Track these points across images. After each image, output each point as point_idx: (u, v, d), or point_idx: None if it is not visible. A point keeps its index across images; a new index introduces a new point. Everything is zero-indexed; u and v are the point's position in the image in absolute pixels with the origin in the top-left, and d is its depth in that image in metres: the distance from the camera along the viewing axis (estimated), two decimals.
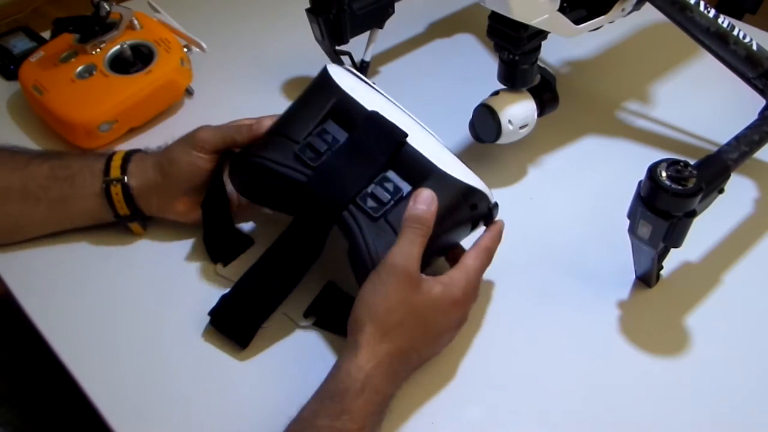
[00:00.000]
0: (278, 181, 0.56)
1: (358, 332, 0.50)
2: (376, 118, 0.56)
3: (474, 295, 0.55)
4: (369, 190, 0.54)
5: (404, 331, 0.51)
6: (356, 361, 0.49)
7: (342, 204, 0.54)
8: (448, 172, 0.55)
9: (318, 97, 0.58)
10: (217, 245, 0.63)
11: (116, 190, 0.60)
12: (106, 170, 0.61)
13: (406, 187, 0.55)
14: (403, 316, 0.51)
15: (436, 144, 0.57)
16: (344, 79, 0.59)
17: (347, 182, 0.55)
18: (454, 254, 0.58)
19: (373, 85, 0.59)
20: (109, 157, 0.62)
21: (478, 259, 0.55)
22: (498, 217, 0.59)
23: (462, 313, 0.55)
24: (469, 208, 0.56)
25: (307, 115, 0.58)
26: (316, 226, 0.57)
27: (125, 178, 0.60)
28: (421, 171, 0.55)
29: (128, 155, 0.62)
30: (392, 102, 0.58)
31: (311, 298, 0.59)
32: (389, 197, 0.54)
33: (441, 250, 0.57)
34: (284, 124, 0.59)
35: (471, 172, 0.56)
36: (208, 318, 0.57)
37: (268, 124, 0.59)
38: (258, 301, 0.57)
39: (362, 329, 0.50)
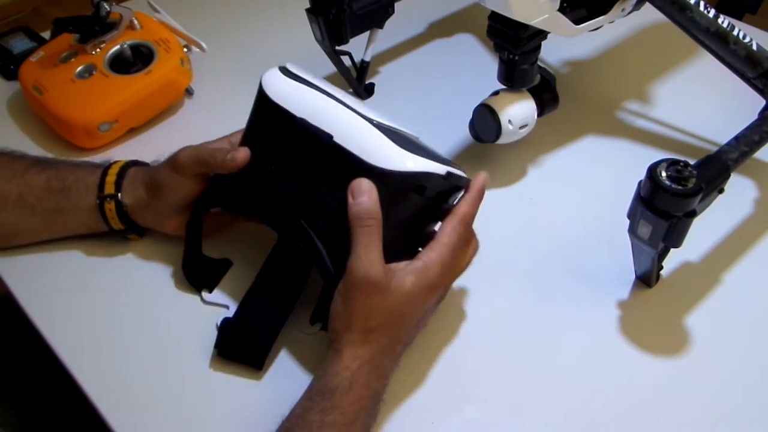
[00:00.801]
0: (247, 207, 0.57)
1: (337, 341, 0.51)
2: (301, 126, 0.54)
3: (454, 270, 0.54)
4: (311, 203, 0.53)
5: (384, 331, 0.51)
6: (342, 362, 0.49)
7: (290, 224, 0.54)
8: (376, 163, 0.51)
9: (261, 118, 0.57)
10: (194, 273, 0.61)
11: (110, 206, 0.60)
12: (101, 185, 0.60)
13: (341, 192, 0.52)
14: (378, 320, 0.50)
15: (366, 132, 0.53)
16: (280, 88, 0.56)
17: (286, 202, 0.54)
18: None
19: (312, 81, 0.57)
20: (105, 171, 0.61)
21: (454, 233, 0.53)
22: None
23: (442, 292, 0.54)
24: (416, 194, 0.52)
25: (258, 140, 0.57)
26: (288, 241, 0.57)
27: (119, 195, 0.60)
28: (352, 169, 0.52)
29: (123, 170, 0.61)
30: (328, 94, 0.55)
31: (312, 304, 0.58)
32: (334, 205, 0.52)
33: (412, 245, 0.55)
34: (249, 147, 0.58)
35: (405, 151, 0.52)
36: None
37: (243, 156, 0.56)
38: (265, 322, 0.56)
39: (341, 337, 0.50)
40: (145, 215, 0.61)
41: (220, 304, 0.60)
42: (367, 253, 0.49)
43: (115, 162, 0.63)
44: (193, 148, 0.58)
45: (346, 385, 0.49)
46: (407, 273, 0.51)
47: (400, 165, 0.51)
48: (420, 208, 0.54)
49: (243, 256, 0.62)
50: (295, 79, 0.57)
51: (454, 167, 0.54)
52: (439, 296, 0.54)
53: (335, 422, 0.48)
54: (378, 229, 0.50)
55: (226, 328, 0.56)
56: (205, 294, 0.60)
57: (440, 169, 0.53)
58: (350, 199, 0.50)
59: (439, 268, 0.52)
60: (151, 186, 0.60)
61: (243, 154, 0.56)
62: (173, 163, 0.58)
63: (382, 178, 0.51)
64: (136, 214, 0.61)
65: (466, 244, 0.55)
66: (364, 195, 0.50)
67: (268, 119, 0.56)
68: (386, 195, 0.51)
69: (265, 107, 0.56)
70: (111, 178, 0.61)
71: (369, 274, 0.49)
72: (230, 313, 0.58)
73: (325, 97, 0.55)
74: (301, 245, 0.54)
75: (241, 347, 0.56)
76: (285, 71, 0.57)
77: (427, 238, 0.54)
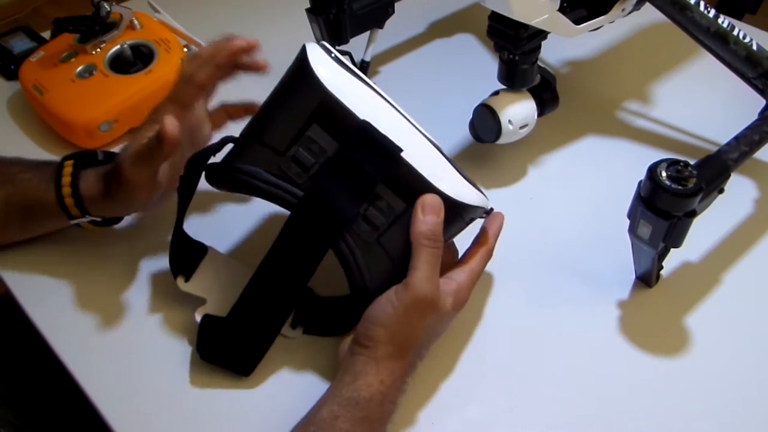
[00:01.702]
0: (263, 197, 0.53)
1: (374, 349, 0.50)
2: (368, 131, 0.51)
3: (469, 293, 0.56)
4: (361, 211, 0.51)
5: (419, 349, 0.52)
6: (378, 375, 0.49)
7: (334, 230, 0.51)
8: (445, 189, 0.52)
9: (298, 95, 0.52)
10: (175, 255, 0.57)
11: (76, 213, 0.58)
12: (59, 198, 0.57)
13: (399, 206, 0.51)
14: (423, 338, 0.52)
15: (430, 152, 0.53)
16: (327, 70, 0.52)
17: (339, 207, 0.51)
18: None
19: (356, 71, 0.55)
20: (58, 182, 0.57)
21: (483, 262, 0.56)
22: (496, 210, 0.59)
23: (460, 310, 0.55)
24: (465, 223, 0.56)
25: (288, 118, 0.52)
26: (307, 246, 0.52)
27: (80, 221, 0.59)
28: (416, 189, 0.51)
29: (75, 178, 0.58)
30: (379, 94, 0.54)
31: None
32: (384, 220, 0.51)
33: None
34: (263, 129, 0.53)
35: (466, 181, 0.54)
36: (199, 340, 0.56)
37: (171, 124, 0.50)
38: (261, 326, 0.54)
39: (380, 347, 0.50)
40: (107, 210, 0.59)
41: (198, 295, 0.56)
42: (431, 273, 0.50)
43: (66, 164, 0.58)
44: (130, 146, 0.55)
45: (378, 399, 0.49)
46: (449, 295, 0.52)
47: (464, 194, 0.53)
48: (457, 233, 0.56)
49: (222, 242, 0.61)
50: (338, 63, 0.53)
51: (478, 188, 0.57)
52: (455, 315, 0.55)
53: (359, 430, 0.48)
54: (440, 251, 0.51)
55: (210, 327, 0.53)
56: (180, 281, 0.56)
57: (487, 203, 0.56)
58: (419, 215, 0.51)
59: (467, 292, 0.53)
60: (105, 192, 0.57)
61: (169, 121, 0.50)
62: (120, 161, 0.55)
63: (447, 203, 0.52)
64: (95, 208, 0.58)
65: None
66: (437, 214, 0.51)
67: (315, 105, 0.51)
68: (445, 219, 0.52)
69: (313, 92, 0.51)
70: (66, 189, 0.57)
71: (433, 295, 0.50)
72: (210, 308, 0.56)
73: (382, 100, 0.54)
74: (336, 252, 0.52)
75: (231, 351, 0.54)
76: (325, 49, 0.54)
77: None
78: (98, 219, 0.60)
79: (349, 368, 0.50)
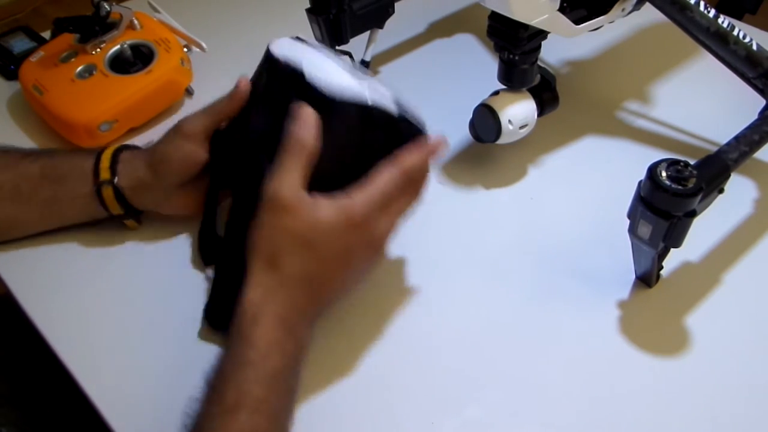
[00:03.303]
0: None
1: (248, 268, 0.49)
2: (283, 64, 0.54)
3: (383, 221, 0.50)
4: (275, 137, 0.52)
5: (292, 259, 0.48)
6: (247, 295, 0.48)
7: (247, 145, 0.54)
8: (331, 92, 0.51)
9: (261, 72, 0.58)
10: (209, 247, 0.61)
11: (107, 191, 0.60)
12: (96, 171, 0.60)
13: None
14: (283, 243, 0.48)
15: (333, 68, 0.54)
16: (283, 46, 0.56)
17: (256, 126, 0.54)
18: None
19: (315, 46, 0.58)
20: (98, 157, 0.61)
21: (390, 180, 0.49)
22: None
23: (365, 238, 0.50)
24: (364, 126, 0.51)
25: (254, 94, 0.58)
26: (248, 188, 0.54)
27: (115, 179, 0.60)
28: (315, 98, 0.52)
29: (116, 154, 0.61)
30: (327, 56, 0.56)
31: None
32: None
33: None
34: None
35: (361, 83, 0.52)
36: (205, 305, 0.57)
37: (245, 84, 0.57)
38: (237, 281, 0.54)
39: (250, 264, 0.49)
40: (145, 197, 0.61)
41: None
42: (285, 175, 0.48)
43: (107, 147, 0.62)
44: (198, 111, 0.59)
45: (250, 318, 0.46)
46: (326, 203, 0.48)
47: (353, 95, 0.51)
48: (369, 148, 0.52)
49: None
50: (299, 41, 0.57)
51: (417, 122, 0.54)
52: (362, 243, 0.50)
53: (248, 359, 0.45)
54: (305, 156, 0.49)
55: (212, 300, 0.56)
56: (209, 271, 0.59)
57: (394, 108, 0.52)
58: (291, 125, 0.50)
59: (364, 209, 0.48)
60: (152, 164, 0.60)
61: (243, 83, 0.57)
62: (179, 131, 0.59)
63: (332, 105, 0.50)
64: (134, 198, 0.61)
65: (403, 195, 0.51)
66: (301, 121, 0.49)
67: (263, 67, 0.57)
68: (334, 123, 0.50)
69: (263, 59, 0.57)
70: (105, 163, 0.60)
71: (279, 194, 0.48)
72: None
73: (318, 52, 0.56)
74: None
75: (229, 316, 0.54)
76: (295, 38, 0.58)
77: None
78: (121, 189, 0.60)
79: None
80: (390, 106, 0.52)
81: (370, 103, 0.51)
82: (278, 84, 0.55)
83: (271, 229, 0.48)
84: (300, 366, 0.49)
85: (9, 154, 0.63)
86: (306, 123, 0.49)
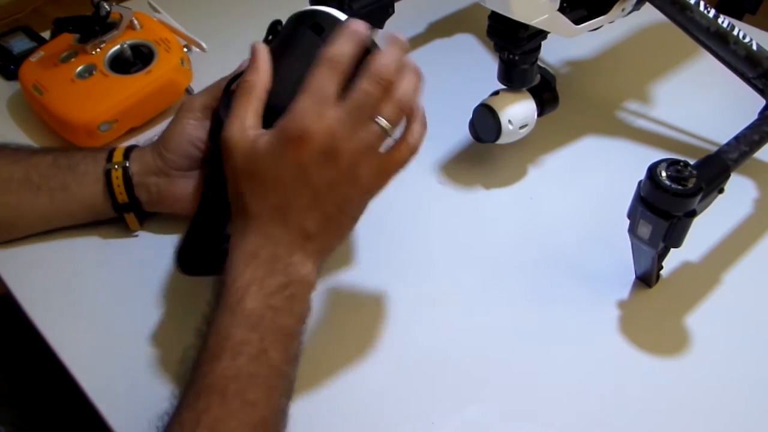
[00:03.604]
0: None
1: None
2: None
3: (334, 124, 0.45)
4: None
5: (248, 197, 0.47)
6: (229, 247, 0.48)
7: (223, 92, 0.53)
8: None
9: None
10: (199, 254, 0.57)
11: (117, 174, 0.60)
12: (109, 158, 0.61)
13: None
14: (236, 185, 0.47)
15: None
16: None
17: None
18: None
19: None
20: (113, 148, 0.63)
21: (316, 74, 0.46)
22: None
23: (314, 151, 0.45)
24: (312, 31, 0.49)
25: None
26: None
27: (126, 163, 0.61)
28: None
29: (131, 146, 0.63)
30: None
31: None
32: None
33: None
34: None
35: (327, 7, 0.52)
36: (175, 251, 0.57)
37: (245, 61, 0.56)
38: (211, 228, 0.55)
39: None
40: (151, 183, 0.61)
41: None
42: (233, 119, 0.47)
43: (122, 146, 0.63)
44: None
45: (227, 263, 0.47)
46: (266, 131, 0.46)
47: (304, 8, 0.52)
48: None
49: None
50: None
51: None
52: (316, 157, 0.45)
53: (225, 303, 0.45)
54: (252, 91, 0.48)
55: (181, 246, 0.55)
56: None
57: (344, 16, 0.51)
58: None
59: (297, 121, 0.45)
60: (158, 146, 0.61)
61: (246, 62, 0.53)
62: (180, 107, 0.60)
63: (290, 22, 0.51)
64: (142, 187, 0.61)
65: (328, 107, 0.46)
66: (251, 58, 0.49)
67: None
68: (282, 39, 0.51)
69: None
70: (119, 150, 0.62)
71: (226, 138, 0.47)
72: None
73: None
74: None
75: (199, 258, 0.55)
76: None
77: None
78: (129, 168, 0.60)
79: None
80: (339, 14, 0.51)
81: (318, 8, 0.51)
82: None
83: (228, 173, 0.48)
84: (296, 304, 0.47)
85: (21, 150, 0.64)
86: (253, 62, 0.49)
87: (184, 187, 0.61)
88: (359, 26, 0.47)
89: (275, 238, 0.47)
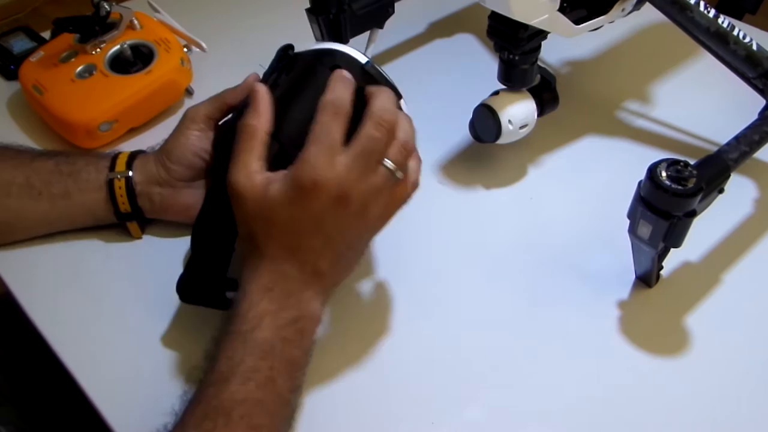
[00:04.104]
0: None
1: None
2: (278, 50, 0.56)
3: (345, 170, 0.46)
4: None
5: (263, 239, 0.48)
6: (240, 274, 0.50)
7: (229, 121, 0.54)
8: (307, 48, 0.53)
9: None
10: (200, 287, 0.56)
11: (120, 184, 0.60)
12: (111, 166, 0.61)
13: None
14: (250, 227, 0.49)
15: (324, 43, 0.55)
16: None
17: (242, 104, 0.54)
18: None
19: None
20: (116, 155, 0.63)
21: (322, 122, 0.47)
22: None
23: (328, 196, 0.46)
24: (331, 73, 0.49)
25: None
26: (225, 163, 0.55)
27: (129, 172, 0.61)
28: (292, 65, 0.53)
29: (134, 153, 0.63)
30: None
31: None
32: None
33: None
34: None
35: (343, 45, 0.53)
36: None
37: (253, 77, 0.58)
38: (212, 259, 0.55)
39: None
40: (154, 193, 0.61)
41: None
42: (237, 162, 0.48)
43: (125, 151, 0.63)
44: (203, 100, 0.61)
45: (240, 290, 0.49)
46: (276, 176, 0.47)
47: (323, 46, 0.53)
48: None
49: None
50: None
51: (388, 78, 0.53)
52: (329, 202, 0.47)
53: (238, 330, 0.47)
54: (255, 136, 0.48)
55: (182, 275, 0.56)
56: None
57: (364, 58, 0.52)
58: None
59: (313, 166, 0.46)
60: (161, 156, 0.61)
61: (252, 76, 0.58)
62: (182, 119, 0.60)
63: (306, 59, 0.52)
64: (143, 197, 0.61)
65: (338, 149, 0.47)
66: (253, 100, 0.50)
67: (273, 69, 0.58)
68: (299, 76, 0.51)
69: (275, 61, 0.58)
70: (122, 159, 0.62)
71: (233, 182, 0.48)
72: None
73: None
74: None
75: (199, 289, 0.55)
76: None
77: None
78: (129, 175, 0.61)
79: None
80: (359, 56, 0.52)
81: (339, 49, 0.52)
82: (270, 66, 0.56)
83: (238, 216, 0.49)
84: (305, 338, 0.49)
85: (22, 153, 0.63)
86: (255, 105, 0.49)
87: (188, 197, 0.61)
88: (347, 73, 0.49)
89: (288, 276, 0.49)
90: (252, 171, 0.48)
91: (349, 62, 0.52)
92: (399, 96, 0.52)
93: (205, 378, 0.47)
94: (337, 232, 0.48)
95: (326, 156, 0.46)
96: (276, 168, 0.49)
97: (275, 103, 0.51)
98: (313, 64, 0.52)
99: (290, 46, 0.55)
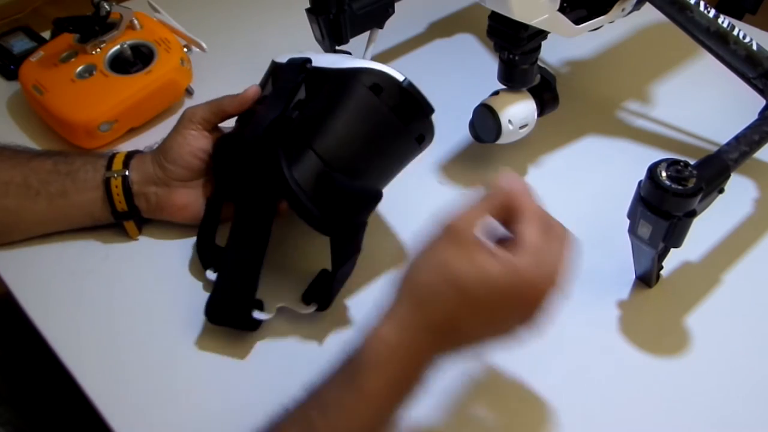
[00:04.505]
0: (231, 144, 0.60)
1: (392, 299, 0.44)
2: (288, 62, 0.57)
3: (551, 281, 0.43)
4: (284, 115, 0.54)
5: (443, 305, 0.42)
6: (383, 327, 0.43)
7: (256, 136, 0.53)
8: (341, 67, 0.54)
9: (266, 82, 0.63)
10: (208, 251, 0.61)
11: (116, 183, 0.61)
12: (109, 165, 0.62)
13: (325, 107, 0.53)
14: (438, 280, 0.42)
15: (343, 57, 0.57)
16: (287, 57, 0.60)
17: (262, 118, 0.55)
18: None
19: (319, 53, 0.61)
20: (113, 155, 0.63)
21: (537, 233, 0.43)
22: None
23: (529, 309, 0.44)
24: (371, 91, 0.51)
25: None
26: (255, 182, 0.57)
27: (126, 171, 0.61)
28: (321, 80, 0.55)
29: (131, 153, 0.63)
30: (327, 54, 0.60)
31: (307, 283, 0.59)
32: (297, 113, 0.54)
33: (370, 164, 0.52)
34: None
35: (375, 63, 0.54)
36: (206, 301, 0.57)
37: (254, 90, 0.60)
38: (240, 281, 0.56)
39: (395, 294, 0.44)
40: (150, 192, 0.61)
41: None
42: (465, 210, 0.44)
43: (122, 151, 0.64)
44: (203, 102, 0.62)
45: (379, 350, 0.42)
46: (499, 260, 0.42)
47: (356, 64, 0.54)
48: (378, 116, 0.52)
49: None
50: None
51: (419, 93, 0.54)
52: (521, 307, 0.44)
53: (364, 392, 0.42)
54: (492, 206, 0.44)
55: (210, 295, 0.56)
56: (209, 273, 0.59)
57: (401, 77, 0.53)
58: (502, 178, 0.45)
59: (534, 278, 0.42)
60: (158, 156, 0.61)
61: (252, 89, 0.59)
62: (180, 120, 0.61)
63: (345, 76, 0.53)
64: (140, 197, 0.61)
65: (557, 267, 0.44)
66: (509, 180, 0.45)
67: (268, 77, 0.61)
68: (338, 93, 0.53)
69: (268, 70, 0.61)
70: (119, 158, 0.62)
71: (455, 223, 0.43)
72: None
73: (319, 53, 0.59)
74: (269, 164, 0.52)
75: (227, 312, 0.56)
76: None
77: (389, 168, 0.53)
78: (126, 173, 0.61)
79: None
80: (397, 75, 0.54)
81: (377, 68, 0.53)
82: (285, 77, 0.57)
83: (436, 257, 0.43)
84: (399, 409, 0.44)
85: (20, 153, 0.63)
86: (514, 182, 0.45)
87: (184, 196, 0.62)
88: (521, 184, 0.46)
89: (430, 351, 0.44)
90: (472, 223, 0.44)
91: (387, 81, 0.53)
92: (431, 111, 0.54)
93: (309, 412, 0.44)
94: (503, 332, 0.46)
95: (543, 274, 0.43)
96: (315, 181, 0.51)
97: (311, 114, 0.54)
98: (351, 81, 0.53)
99: (308, 60, 0.57)
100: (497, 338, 0.45)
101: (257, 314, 0.56)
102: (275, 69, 0.61)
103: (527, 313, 0.44)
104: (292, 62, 0.58)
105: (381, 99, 0.52)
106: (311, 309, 0.58)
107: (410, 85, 0.54)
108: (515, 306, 0.43)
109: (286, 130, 0.54)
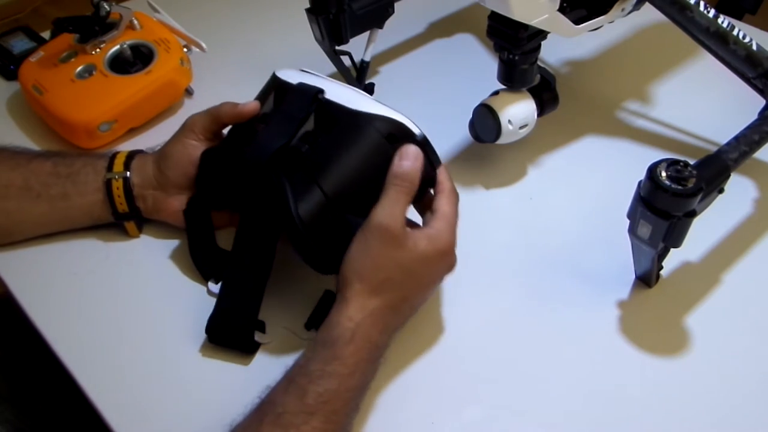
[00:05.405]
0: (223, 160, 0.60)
1: (346, 289, 0.51)
2: (299, 87, 0.58)
3: (453, 243, 0.55)
4: (291, 145, 0.55)
5: (393, 286, 0.52)
6: (346, 312, 0.50)
7: (260, 161, 0.54)
8: (358, 108, 0.55)
9: (263, 94, 0.62)
10: (203, 262, 0.61)
11: (117, 184, 0.61)
12: (109, 167, 0.62)
13: (332, 144, 0.54)
14: (390, 273, 0.51)
15: (356, 94, 0.57)
16: (291, 75, 0.60)
17: (267, 142, 0.55)
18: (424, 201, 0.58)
19: (323, 77, 0.60)
20: (113, 155, 0.63)
21: (452, 205, 0.55)
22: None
23: (450, 260, 0.55)
24: (387, 141, 0.54)
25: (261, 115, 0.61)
26: (260, 206, 0.57)
27: (127, 173, 0.61)
28: (333, 116, 0.55)
29: (132, 153, 0.63)
30: (335, 83, 0.59)
31: (309, 309, 0.59)
32: (306, 147, 0.55)
33: (370, 198, 0.54)
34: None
35: (392, 110, 0.55)
36: (208, 317, 0.57)
37: (254, 106, 0.60)
38: (242, 302, 0.56)
39: (350, 286, 0.51)
40: (147, 198, 0.62)
41: None
42: (393, 207, 0.51)
43: (122, 151, 0.64)
44: (203, 110, 0.62)
45: (347, 335, 0.50)
46: (422, 236, 0.52)
47: (382, 111, 0.55)
48: (388, 164, 0.54)
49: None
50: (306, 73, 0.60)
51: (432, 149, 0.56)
52: (447, 265, 0.55)
53: (335, 372, 0.48)
54: (410, 192, 0.52)
55: (211, 315, 0.56)
56: (211, 285, 0.60)
57: (417, 130, 0.55)
58: (396, 159, 0.53)
59: (448, 234, 0.54)
60: (158, 160, 0.62)
61: (252, 104, 0.60)
62: (182, 128, 0.61)
63: (362, 119, 0.54)
64: (140, 198, 0.62)
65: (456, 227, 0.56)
66: (410, 160, 0.53)
67: (268, 92, 0.60)
68: (354, 133, 0.54)
69: (269, 84, 0.61)
70: (120, 159, 0.62)
71: (390, 225, 0.51)
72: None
73: (325, 78, 0.58)
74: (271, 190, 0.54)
75: (228, 333, 0.56)
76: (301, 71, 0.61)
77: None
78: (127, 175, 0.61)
79: (327, 315, 0.52)
80: (413, 127, 0.55)
81: (395, 118, 0.54)
82: (293, 101, 0.57)
83: (383, 261, 0.51)
84: (373, 373, 0.52)
85: (19, 155, 0.63)
86: (415, 162, 0.53)
87: (179, 202, 0.62)
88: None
89: (389, 327, 0.53)
90: (404, 220, 0.52)
91: (403, 132, 0.55)
92: (439, 164, 0.57)
93: (286, 399, 0.48)
94: (435, 288, 0.56)
95: (454, 234, 0.54)
96: (318, 218, 0.52)
97: (322, 151, 0.54)
98: (366, 126, 0.54)
99: (320, 90, 0.57)
100: (432, 291, 0.56)
101: (258, 337, 0.56)
102: (279, 87, 0.60)
103: (449, 264, 0.55)
104: (304, 89, 0.57)
105: (394, 149, 0.54)
106: (311, 335, 0.58)
107: (424, 139, 0.55)
108: (442, 264, 0.54)
109: (293, 161, 0.54)
